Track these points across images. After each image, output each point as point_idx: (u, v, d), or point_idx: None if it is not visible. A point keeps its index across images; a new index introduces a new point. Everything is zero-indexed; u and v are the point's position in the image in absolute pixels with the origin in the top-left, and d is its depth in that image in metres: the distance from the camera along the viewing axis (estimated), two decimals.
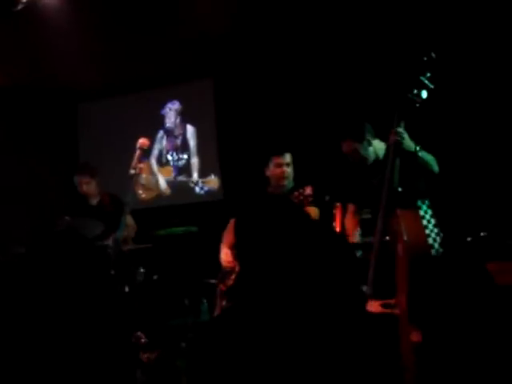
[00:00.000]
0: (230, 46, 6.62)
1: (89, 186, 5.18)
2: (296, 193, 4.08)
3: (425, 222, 3.56)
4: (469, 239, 4.36)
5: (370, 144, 3.93)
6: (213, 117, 7.26)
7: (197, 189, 7.25)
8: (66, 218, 4.78)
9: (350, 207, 4.21)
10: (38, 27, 6.13)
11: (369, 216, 4.07)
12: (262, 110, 6.69)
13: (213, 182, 7.07)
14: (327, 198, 5.07)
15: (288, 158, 4.53)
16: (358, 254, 4.15)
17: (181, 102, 7.43)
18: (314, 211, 4.22)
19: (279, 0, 5.97)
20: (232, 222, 4.74)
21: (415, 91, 3.41)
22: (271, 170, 4.57)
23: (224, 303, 4.38)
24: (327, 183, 4.61)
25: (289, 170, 4.51)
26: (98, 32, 6.20)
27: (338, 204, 4.85)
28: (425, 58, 3.43)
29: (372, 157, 3.96)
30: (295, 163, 4.59)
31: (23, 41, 6.34)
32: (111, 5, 5.95)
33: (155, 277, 5.68)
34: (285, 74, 6.60)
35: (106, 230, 4.73)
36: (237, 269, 4.41)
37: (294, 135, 6.21)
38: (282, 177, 4.50)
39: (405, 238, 3.44)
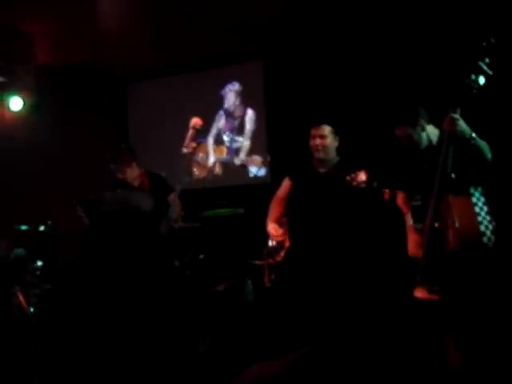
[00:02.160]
0: (282, 27, 6.59)
1: (128, 170, 5.10)
2: (348, 177, 4.08)
3: (477, 210, 3.53)
4: None
5: (423, 129, 3.87)
6: (262, 99, 7.27)
7: (248, 170, 7.28)
8: (118, 190, 4.84)
9: (400, 194, 4.17)
10: (94, 8, 6.23)
11: (419, 203, 4.04)
12: (313, 93, 6.65)
13: (256, 161, 7.12)
14: (375, 184, 5.05)
15: (324, 130, 4.55)
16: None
17: (241, 83, 7.44)
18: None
19: None
20: (277, 197, 4.80)
21: (473, 77, 3.37)
22: (309, 142, 4.63)
23: (273, 277, 4.44)
24: (377, 169, 4.59)
25: (325, 142, 4.53)
26: (152, 13, 6.24)
27: (387, 190, 4.82)
28: (484, 44, 3.38)
29: (425, 142, 3.89)
30: (346, 146, 4.60)
31: (79, 22, 6.44)
32: None
33: (202, 256, 5.76)
34: (337, 56, 6.53)
35: (156, 205, 4.78)
36: (286, 244, 4.46)
37: (345, 118, 6.18)
38: (317, 148, 4.55)
39: (456, 224, 3.44)
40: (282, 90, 6.98)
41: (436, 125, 3.89)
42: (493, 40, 3.36)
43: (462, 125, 3.44)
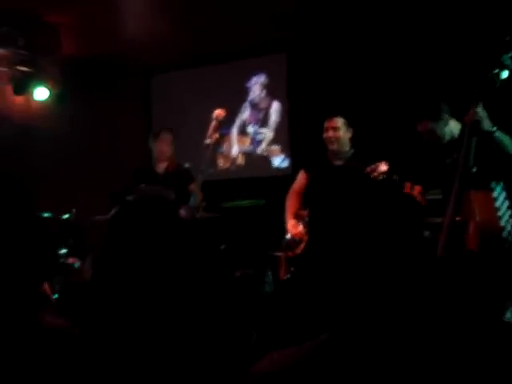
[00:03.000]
0: (305, 20, 6.59)
1: (168, 146, 5.29)
2: (368, 168, 4.11)
3: (497, 204, 3.54)
4: None
5: (446, 124, 3.88)
6: (285, 91, 7.29)
7: (270, 162, 7.32)
8: (143, 185, 4.93)
9: (417, 188, 4.19)
10: (119, 1, 6.29)
11: (439, 196, 4.06)
12: (335, 86, 6.65)
13: (275, 151, 7.17)
14: (396, 177, 5.07)
15: (336, 122, 4.61)
16: (426, 234, 4.16)
17: (266, 75, 7.46)
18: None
19: None
20: (293, 190, 4.83)
21: (496, 71, 3.38)
22: (323, 135, 4.69)
23: (292, 269, 4.47)
24: (398, 162, 4.61)
25: (338, 134, 4.58)
26: (177, 5, 6.27)
27: (408, 184, 4.84)
28: (508, 38, 3.38)
29: (447, 137, 3.90)
30: (367, 139, 4.61)
31: (104, 13, 6.49)
32: None
33: (223, 246, 5.82)
34: (360, 49, 6.52)
35: (177, 197, 4.85)
36: (305, 238, 4.49)
37: (367, 112, 6.19)
38: (330, 140, 4.60)
39: (477, 218, 3.46)
40: (305, 82, 6.98)
41: (458, 119, 3.90)
42: None
43: (484, 118, 3.44)
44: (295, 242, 4.57)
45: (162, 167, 5.35)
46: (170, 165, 5.35)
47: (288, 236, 4.67)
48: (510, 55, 3.37)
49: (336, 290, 1.82)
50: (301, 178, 4.88)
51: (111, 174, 6.99)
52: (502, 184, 3.62)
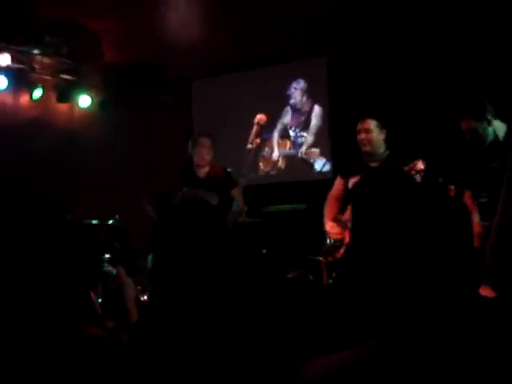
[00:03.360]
0: (345, 24, 6.56)
1: (209, 151, 5.31)
2: (406, 168, 4.10)
3: None
4: None
5: (490, 124, 3.82)
6: (326, 95, 7.27)
7: (312, 165, 7.32)
8: (185, 189, 4.97)
9: (467, 192, 4.12)
10: (159, 6, 6.34)
11: (485, 200, 3.99)
12: (376, 89, 6.60)
13: (315, 153, 7.15)
14: (441, 180, 5.01)
15: (369, 124, 4.61)
16: None
17: (305, 80, 7.46)
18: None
19: None
20: (331, 196, 4.83)
21: None
22: (356, 137, 4.70)
23: (334, 275, 4.46)
24: (443, 164, 4.55)
25: (371, 136, 4.58)
26: (216, 11, 6.31)
27: (452, 187, 4.79)
28: None
29: (491, 137, 3.84)
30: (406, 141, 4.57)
31: (145, 20, 6.56)
32: None
33: (264, 251, 5.83)
34: (400, 51, 6.45)
35: (219, 201, 4.88)
36: (346, 241, 4.47)
37: (410, 113, 6.13)
38: (362, 143, 4.61)
39: None
40: (346, 85, 6.95)
41: (504, 120, 3.83)
42: None
43: None
44: (335, 246, 4.56)
45: (203, 172, 5.37)
46: (212, 169, 5.38)
47: (328, 241, 4.67)
48: None
49: (381, 296, 1.80)
50: (338, 183, 4.89)
51: (154, 180, 7.05)
52: None
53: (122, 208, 6.11)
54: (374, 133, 4.59)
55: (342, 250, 4.54)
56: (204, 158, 5.31)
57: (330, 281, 4.60)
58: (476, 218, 3.88)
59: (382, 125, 4.64)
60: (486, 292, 3.48)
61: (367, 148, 4.60)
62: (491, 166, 3.80)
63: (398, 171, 4.20)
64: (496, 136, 3.84)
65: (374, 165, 4.63)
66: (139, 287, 5.03)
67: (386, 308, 1.75)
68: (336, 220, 4.68)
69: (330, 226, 4.68)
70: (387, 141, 4.66)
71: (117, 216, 5.59)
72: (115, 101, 7.84)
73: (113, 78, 7.86)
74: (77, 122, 8.00)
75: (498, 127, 3.85)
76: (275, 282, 5.25)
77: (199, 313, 1.74)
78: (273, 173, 7.65)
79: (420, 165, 4.07)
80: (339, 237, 4.60)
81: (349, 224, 4.49)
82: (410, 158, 4.18)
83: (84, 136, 7.79)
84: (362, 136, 4.60)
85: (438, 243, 2.03)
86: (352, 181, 4.66)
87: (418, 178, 4.11)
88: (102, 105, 7.88)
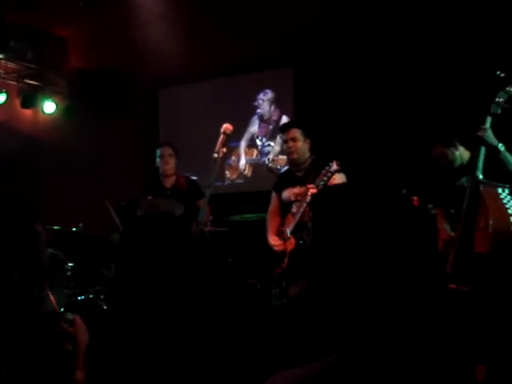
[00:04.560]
0: (312, 35, 6.60)
1: (171, 160, 5.34)
2: (323, 171, 4.26)
3: (505, 201, 3.67)
4: None
5: (457, 149, 4.23)
6: (292, 105, 7.29)
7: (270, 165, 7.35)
8: (149, 197, 4.93)
9: (440, 211, 4.42)
10: (127, 14, 6.32)
11: (452, 211, 4.21)
12: (342, 100, 6.64)
13: (282, 160, 7.18)
14: (404, 191, 5.13)
15: (294, 133, 4.75)
16: None
17: (273, 90, 7.50)
18: (339, 178, 4.42)
19: None
20: (270, 212, 4.94)
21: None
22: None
23: (284, 284, 4.52)
24: (417, 184, 4.77)
25: (298, 145, 4.71)
26: (184, 20, 6.32)
27: (415, 198, 4.94)
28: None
29: (458, 161, 4.24)
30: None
31: (112, 28, 6.54)
32: None
33: (230, 260, 5.81)
34: (367, 64, 6.48)
35: (185, 211, 4.85)
36: (288, 250, 4.56)
37: (374, 125, 6.21)
38: (289, 151, 4.76)
39: (490, 220, 3.59)
40: (312, 96, 6.98)
41: (468, 148, 4.24)
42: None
43: (489, 133, 3.75)
44: (280, 257, 4.63)
45: (169, 182, 5.40)
46: (178, 179, 5.42)
47: (274, 253, 4.75)
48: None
49: (343, 310, 1.81)
50: (274, 199, 5.01)
51: (118, 187, 7.00)
52: (507, 190, 3.76)
53: (85, 214, 6.05)
54: (299, 141, 4.72)
55: (286, 260, 4.60)
56: (165, 167, 5.35)
57: (277, 291, 4.67)
58: (444, 226, 4.22)
59: (306, 134, 4.78)
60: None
61: (294, 156, 4.73)
62: (455, 185, 4.14)
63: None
64: (462, 161, 4.24)
65: (299, 174, 4.76)
66: (102, 296, 4.99)
67: (346, 319, 1.76)
68: (278, 233, 4.78)
69: (272, 239, 4.78)
70: (311, 149, 4.79)
71: (80, 224, 5.50)
72: (80, 107, 7.77)
73: (78, 85, 7.80)
74: (41, 128, 7.92)
75: (463, 154, 4.24)
76: (236, 290, 5.27)
77: (158, 323, 1.74)
78: (239, 181, 7.64)
79: (334, 166, 4.19)
80: (281, 248, 4.67)
81: (288, 235, 4.59)
82: (329, 161, 4.32)
83: (48, 142, 7.71)
84: (290, 144, 4.73)
85: (397, 251, 2.06)
86: (284, 193, 4.82)
87: (338, 177, 4.34)
88: (66, 111, 7.81)
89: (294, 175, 4.81)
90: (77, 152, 7.53)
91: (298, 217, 4.45)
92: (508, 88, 3.71)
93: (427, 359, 1.72)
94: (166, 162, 5.34)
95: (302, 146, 4.73)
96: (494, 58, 5.34)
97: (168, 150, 5.37)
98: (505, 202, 3.66)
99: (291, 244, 4.57)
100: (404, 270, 2.03)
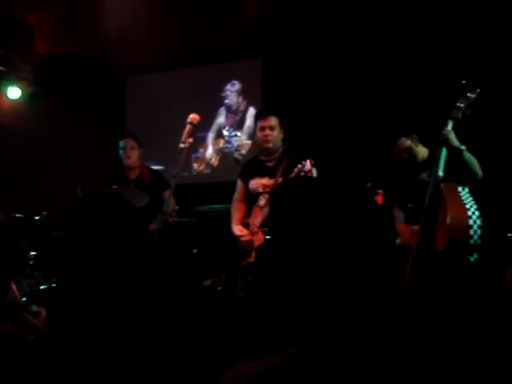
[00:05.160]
0: (280, 25, 6.59)
1: (133, 153, 5.23)
2: (296, 169, 4.23)
3: (467, 205, 3.81)
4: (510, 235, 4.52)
5: (416, 145, 4.32)
6: (260, 96, 7.28)
7: (236, 155, 7.32)
8: (114, 187, 4.89)
9: (395, 205, 4.43)
10: (96, 1, 6.25)
11: (412, 205, 4.24)
12: (310, 91, 6.65)
13: (247, 145, 7.16)
14: (369, 184, 5.17)
15: (271, 121, 4.64)
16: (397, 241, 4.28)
17: (240, 81, 7.45)
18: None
19: None
20: (235, 199, 4.86)
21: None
22: (257, 135, 4.76)
23: (250, 278, 4.46)
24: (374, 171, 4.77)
25: (274, 134, 4.62)
26: (153, 7, 6.26)
27: (380, 191, 4.99)
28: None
29: (420, 156, 4.30)
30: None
31: (80, 13, 6.45)
32: None
33: (195, 251, 5.80)
34: (336, 54, 6.48)
35: (149, 203, 4.81)
36: (255, 244, 4.49)
37: (342, 118, 6.24)
38: (265, 140, 4.63)
39: (448, 216, 3.75)
40: (280, 87, 6.97)
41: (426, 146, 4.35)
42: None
43: (452, 136, 3.91)
44: (246, 250, 4.57)
45: (133, 174, 5.32)
46: (142, 172, 5.33)
47: (239, 244, 4.67)
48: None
49: (301, 304, 1.81)
50: (240, 186, 4.91)
51: (83, 175, 6.91)
52: (467, 188, 3.94)
53: (49, 202, 5.98)
54: (276, 130, 4.64)
55: (253, 254, 4.54)
56: (127, 160, 5.24)
57: (242, 283, 4.62)
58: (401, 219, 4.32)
59: (281, 124, 4.71)
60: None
61: (269, 145, 4.64)
62: (415, 180, 4.23)
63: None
64: (422, 157, 4.32)
65: (269, 164, 4.69)
66: None
67: (304, 313, 1.76)
68: (244, 224, 4.72)
69: (238, 230, 4.69)
70: (284, 140, 4.73)
71: (44, 213, 5.43)
72: (46, 93, 7.66)
73: (45, 71, 7.67)
74: (5, 114, 7.79)
75: (423, 150, 4.33)
76: (198, 284, 5.24)
77: (106, 309, 1.73)
78: (207, 171, 7.60)
79: (308, 165, 4.18)
80: (248, 238, 4.60)
81: (255, 228, 4.54)
82: (302, 158, 4.29)
83: (12, 128, 7.58)
84: (267, 132, 4.62)
85: (356, 244, 2.07)
86: (251, 182, 4.74)
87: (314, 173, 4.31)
88: (31, 97, 7.70)
89: (263, 165, 4.73)
90: (41, 139, 7.42)
91: (266, 211, 4.37)
92: (469, 94, 3.90)
93: (384, 352, 1.73)
94: (128, 156, 5.22)
95: (277, 135, 4.65)
96: (458, 64, 5.44)
97: (130, 142, 5.25)
98: (463, 199, 3.80)
99: (259, 239, 4.50)
100: (361, 262, 2.04)
